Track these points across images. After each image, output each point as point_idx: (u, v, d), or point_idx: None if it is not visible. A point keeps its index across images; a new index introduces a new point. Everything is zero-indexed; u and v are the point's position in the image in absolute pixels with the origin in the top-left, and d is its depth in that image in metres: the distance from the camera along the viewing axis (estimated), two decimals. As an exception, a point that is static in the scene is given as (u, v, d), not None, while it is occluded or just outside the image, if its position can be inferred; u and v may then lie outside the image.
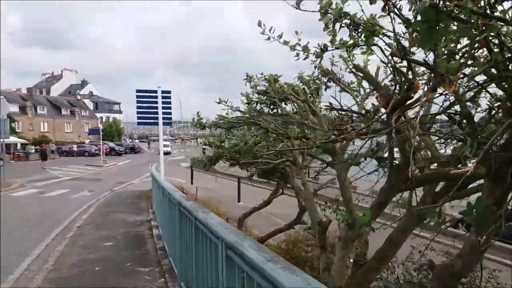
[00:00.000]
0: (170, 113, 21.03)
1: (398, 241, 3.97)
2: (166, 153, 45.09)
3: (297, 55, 3.45)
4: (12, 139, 46.83)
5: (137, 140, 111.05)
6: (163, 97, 20.23)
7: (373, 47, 3.22)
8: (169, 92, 21.01)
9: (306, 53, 3.41)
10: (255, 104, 5.23)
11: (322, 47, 3.32)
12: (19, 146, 54.35)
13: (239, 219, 7.74)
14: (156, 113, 20.12)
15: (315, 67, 5.35)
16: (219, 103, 5.19)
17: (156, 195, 11.28)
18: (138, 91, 20.78)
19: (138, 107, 20.39)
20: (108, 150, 57.02)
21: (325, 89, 5.42)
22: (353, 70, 5.33)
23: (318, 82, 5.33)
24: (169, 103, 20.72)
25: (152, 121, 21.16)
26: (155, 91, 20.34)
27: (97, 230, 10.32)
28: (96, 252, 8.09)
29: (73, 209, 14.92)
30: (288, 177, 4.72)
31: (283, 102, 5.12)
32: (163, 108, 20.13)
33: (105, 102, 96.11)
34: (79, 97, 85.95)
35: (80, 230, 10.56)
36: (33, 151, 55.05)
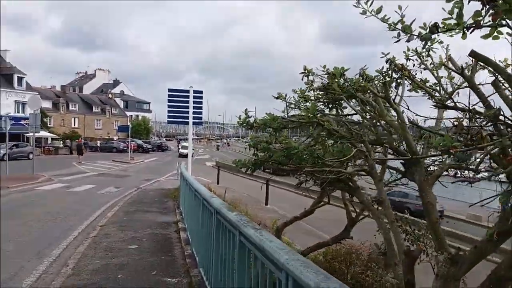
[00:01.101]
0: (201, 113, 20.55)
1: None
2: (185, 155, 43.19)
3: (398, 36, 2.64)
4: (43, 133, 47.51)
5: (164, 139, 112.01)
6: (194, 97, 19.82)
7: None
8: (201, 92, 20.53)
9: (409, 34, 2.59)
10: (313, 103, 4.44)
11: (431, 26, 2.48)
12: (49, 141, 55.18)
13: (276, 228, 6.92)
14: (187, 112, 19.72)
15: (387, 61, 4.52)
16: (277, 98, 4.39)
17: (184, 195, 10.60)
18: (170, 90, 20.40)
19: (169, 106, 20.01)
20: (136, 147, 57.28)
21: (396, 87, 4.57)
22: (445, 63, 4.45)
23: (388, 78, 4.48)
24: (201, 103, 20.28)
25: (183, 120, 20.79)
26: (187, 91, 19.95)
27: (122, 231, 9.68)
28: (120, 257, 7.41)
29: (98, 206, 14.44)
30: (356, 189, 3.88)
31: (351, 100, 4.30)
32: (194, 108, 19.73)
33: (135, 101, 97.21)
34: (110, 96, 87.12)
35: (104, 229, 9.95)
36: (62, 146, 55.98)
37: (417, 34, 2.58)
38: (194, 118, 19.84)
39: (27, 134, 43.05)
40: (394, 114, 4.18)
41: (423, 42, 2.96)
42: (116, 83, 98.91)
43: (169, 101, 19.81)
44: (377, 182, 4.14)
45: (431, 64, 4.63)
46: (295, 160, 4.13)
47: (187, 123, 20.53)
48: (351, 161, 4.23)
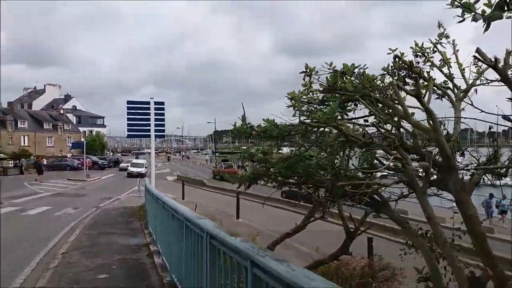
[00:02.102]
0: (163, 125, 19.69)
1: None
2: (135, 175, 39.50)
3: (462, 15, 2.17)
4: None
5: (119, 154, 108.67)
6: (156, 109, 19.01)
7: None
8: (162, 103, 19.72)
9: (473, 12, 2.11)
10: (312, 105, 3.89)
11: (499, 1, 2.03)
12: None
13: (267, 247, 6.31)
14: (148, 125, 18.86)
15: (395, 58, 4.08)
16: (290, 99, 3.77)
17: (154, 214, 9.79)
18: (129, 102, 19.46)
19: (129, 119, 19.07)
20: (91, 164, 54.90)
21: (403, 85, 4.14)
22: (444, 61, 4.07)
23: (395, 77, 4.06)
24: (163, 114, 19.45)
25: (144, 133, 19.84)
26: (148, 102, 19.08)
27: (87, 258, 8.72)
28: (88, 290, 6.56)
29: (57, 230, 13.26)
30: (385, 205, 3.36)
31: (366, 100, 3.80)
32: (155, 120, 18.89)
33: (89, 116, 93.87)
34: (61, 111, 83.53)
35: (66, 257, 8.95)
36: (12, 165, 52.75)
37: (481, 13, 2.12)
38: (156, 130, 18.99)
39: (-28, 155, 40.18)
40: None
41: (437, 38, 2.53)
42: (67, 98, 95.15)
43: (128, 113, 18.88)
44: (420, 195, 3.62)
45: (440, 60, 4.26)
46: (302, 172, 3.58)
47: (148, 136, 19.63)
48: (381, 171, 3.73)
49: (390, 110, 3.82)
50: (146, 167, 45.72)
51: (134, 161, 54.05)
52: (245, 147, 4.46)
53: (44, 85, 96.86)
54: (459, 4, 2.22)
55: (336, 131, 3.98)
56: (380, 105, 3.82)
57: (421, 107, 3.65)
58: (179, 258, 5.88)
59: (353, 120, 3.93)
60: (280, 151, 4.22)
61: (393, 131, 3.81)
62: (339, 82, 3.87)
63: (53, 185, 32.63)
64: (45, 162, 55.76)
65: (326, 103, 3.76)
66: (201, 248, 4.61)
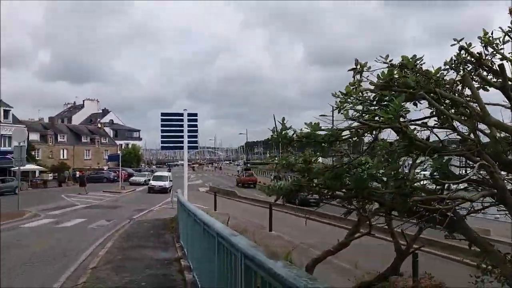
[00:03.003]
0: (196, 136, 19.51)
1: None
2: (158, 191, 38.02)
3: None
4: (30, 166, 45.86)
5: (154, 166, 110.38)
6: (189, 120, 18.79)
7: None
8: (195, 114, 19.51)
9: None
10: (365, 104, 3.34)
11: None
12: (37, 174, 53.34)
13: (306, 266, 5.75)
14: (181, 136, 18.66)
15: (460, 49, 3.50)
16: (345, 94, 3.21)
17: (186, 227, 9.40)
18: (163, 114, 19.41)
19: (162, 131, 18.98)
20: (126, 176, 55.59)
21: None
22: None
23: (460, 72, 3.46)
24: (195, 126, 19.22)
25: (177, 145, 19.69)
26: (181, 114, 18.92)
27: (116, 273, 8.40)
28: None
29: (89, 243, 13.11)
30: (462, 223, 2.75)
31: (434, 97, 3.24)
32: (188, 131, 18.67)
33: (125, 130, 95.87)
34: (99, 125, 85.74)
35: (96, 272, 8.66)
36: (51, 177, 54.21)
37: None
38: (189, 142, 18.77)
39: (13, 168, 41.51)
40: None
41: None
42: (105, 112, 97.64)
43: (162, 125, 18.78)
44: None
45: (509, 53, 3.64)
46: (353, 183, 3.05)
47: (181, 147, 19.44)
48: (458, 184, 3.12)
49: (463, 109, 3.24)
50: (171, 180, 41.87)
51: (157, 173, 47.55)
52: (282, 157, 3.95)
53: (83, 100, 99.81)
54: None
55: (396, 135, 3.45)
56: (446, 104, 3.26)
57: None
58: (211, 276, 5.42)
59: (417, 122, 3.35)
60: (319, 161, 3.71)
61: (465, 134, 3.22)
62: (396, 77, 3.34)
63: (88, 197, 33.10)
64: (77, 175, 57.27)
65: (381, 103, 3.22)
66: (235, 268, 4.13)
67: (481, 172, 2.83)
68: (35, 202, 26.66)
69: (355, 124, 3.33)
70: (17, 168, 24.36)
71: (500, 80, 3.36)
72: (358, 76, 3.40)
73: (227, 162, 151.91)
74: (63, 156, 68.60)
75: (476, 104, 3.14)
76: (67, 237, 14.18)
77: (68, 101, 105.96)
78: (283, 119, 3.42)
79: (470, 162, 3.09)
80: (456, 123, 3.07)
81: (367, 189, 3.00)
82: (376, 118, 3.04)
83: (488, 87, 3.45)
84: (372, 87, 3.50)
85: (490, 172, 2.87)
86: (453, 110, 3.30)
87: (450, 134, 3.21)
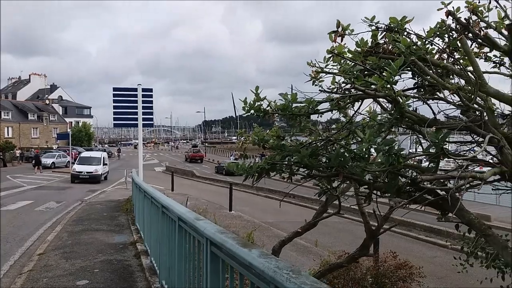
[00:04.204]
0: (151, 113, 18.61)
1: None
2: (91, 180, 27.59)
3: None
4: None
5: (107, 145, 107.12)
6: (143, 96, 17.86)
7: None
8: (150, 90, 18.60)
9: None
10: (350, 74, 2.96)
11: None
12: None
13: (273, 249, 5.46)
14: (135, 113, 17.75)
15: (447, 15, 3.19)
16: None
17: (142, 209, 8.87)
18: (115, 89, 18.29)
19: (115, 107, 17.93)
20: (77, 155, 53.37)
21: (451, 52, 3.27)
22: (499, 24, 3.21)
23: (451, 36, 3.15)
24: (151, 102, 18.33)
25: (131, 122, 18.77)
26: (135, 89, 17.92)
27: (66, 260, 7.79)
28: (65, 299, 5.64)
29: (37, 227, 12.30)
30: (454, 203, 2.46)
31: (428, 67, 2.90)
32: (143, 108, 17.80)
33: (75, 107, 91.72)
34: (47, 102, 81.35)
35: (44, 259, 8.00)
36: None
37: None
38: (144, 119, 17.91)
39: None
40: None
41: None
42: (53, 88, 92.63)
43: (114, 101, 17.75)
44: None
45: (494, 22, 3.38)
46: (333, 161, 2.70)
47: (136, 125, 18.53)
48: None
49: (457, 78, 2.95)
50: (105, 164, 31.78)
51: (84, 154, 34.36)
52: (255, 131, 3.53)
53: (29, 75, 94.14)
54: None
55: (380, 106, 3.12)
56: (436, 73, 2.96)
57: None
58: (171, 262, 5.01)
59: (407, 92, 3.03)
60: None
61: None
62: (382, 43, 3.00)
63: (37, 178, 31.40)
64: (30, 154, 54.42)
65: (365, 72, 2.87)
66: (198, 256, 3.74)
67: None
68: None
69: (336, 96, 2.98)
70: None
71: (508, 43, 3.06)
72: (339, 40, 3.03)
73: (184, 141, 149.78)
74: (8, 135, 64.77)
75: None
76: (11, 221, 13.20)
77: (13, 75, 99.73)
78: (257, 88, 3.01)
79: (474, 136, 2.83)
80: (446, 94, 2.78)
81: (348, 167, 2.67)
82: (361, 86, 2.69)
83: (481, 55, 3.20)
84: (350, 55, 3.14)
85: (500, 147, 2.61)
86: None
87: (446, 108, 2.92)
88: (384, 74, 2.62)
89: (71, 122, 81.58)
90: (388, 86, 2.49)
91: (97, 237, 9.97)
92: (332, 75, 3.07)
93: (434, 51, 3.17)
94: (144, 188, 7.94)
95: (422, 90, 3.25)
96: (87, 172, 28.45)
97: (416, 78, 3.23)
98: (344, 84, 3.01)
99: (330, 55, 3.24)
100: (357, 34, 3.12)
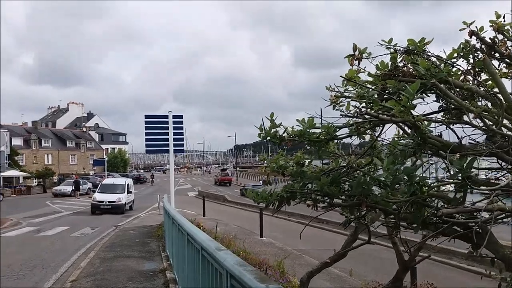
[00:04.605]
0: (182, 139, 18.88)
1: None
2: (113, 211, 24.65)
3: None
4: (13, 172, 44.80)
5: (142, 171, 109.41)
6: (174, 123, 18.14)
7: None
8: (180, 117, 18.90)
9: None
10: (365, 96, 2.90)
11: None
12: (21, 180, 52.10)
13: (301, 280, 5.30)
14: (167, 139, 18.02)
15: (470, 35, 3.09)
16: (348, 79, 2.74)
17: (171, 235, 8.88)
18: (147, 116, 18.73)
19: (147, 134, 18.30)
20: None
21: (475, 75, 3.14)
22: None
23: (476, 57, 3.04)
24: (181, 128, 18.60)
25: (162, 148, 19.10)
26: (166, 116, 18.30)
27: (97, 287, 7.87)
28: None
29: (71, 253, 12.51)
30: (487, 235, 2.30)
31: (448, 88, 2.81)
32: (174, 134, 18.06)
33: (111, 134, 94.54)
34: (84, 129, 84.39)
35: (75, 286, 8.11)
36: (36, 183, 53.13)
37: None
38: (175, 145, 18.16)
39: (-5, 175, 40.42)
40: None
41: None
42: (90, 116, 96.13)
43: (146, 128, 18.11)
44: None
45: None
46: (355, 189, 2.61)
47: (167, 151, 18.84)
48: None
49: (482, 101, 2.82)
50: (130, 192, 27.91)
51: (106, 181, 30.66)
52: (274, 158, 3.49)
53: (67, 104, 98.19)
54: None
55: (402, 131, 3.01)
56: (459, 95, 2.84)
57: None
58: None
59: (429, 117, 2.91)
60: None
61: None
62: (401, 65, 2.92)
63: (75, 204, 32.28)
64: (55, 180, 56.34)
65: (383, 96, 2.79)
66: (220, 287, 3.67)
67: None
68: (18, 210, 25.90)
69: (354, 120, 2.90)
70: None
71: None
72: (356, 64, 2.98)
73: (216, 165, 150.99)
74: (48, 161, 67.26)
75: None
76: (48, 247, 13.54)
77: (52, 104, 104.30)
78: (272, 114, 2.97)
79: (502, 163, 2.67)
80: (471, 117, 2.64)
81: (371, 196, 2.57)
82: (379, 112, 2.61)
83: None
84: (370, 79, 3.07)
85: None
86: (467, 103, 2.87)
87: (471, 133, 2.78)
88: (401, 98, 2.53)
89: (107, 148, 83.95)
90: (406, 110, 2.40)
91: (128, 264, 10.04)
92: (349, 99, 3.01)
93: (459, 73, 3.06)
94: (172, 215, 7.96)
95: (447, 113, 3.13)
96: (109, 202, 25.18)
97: (440, 101, 3.11)
98: (364, 109, 2.93)
99: (344, 79, 3.19)
100: (375, 57, 3.05)
